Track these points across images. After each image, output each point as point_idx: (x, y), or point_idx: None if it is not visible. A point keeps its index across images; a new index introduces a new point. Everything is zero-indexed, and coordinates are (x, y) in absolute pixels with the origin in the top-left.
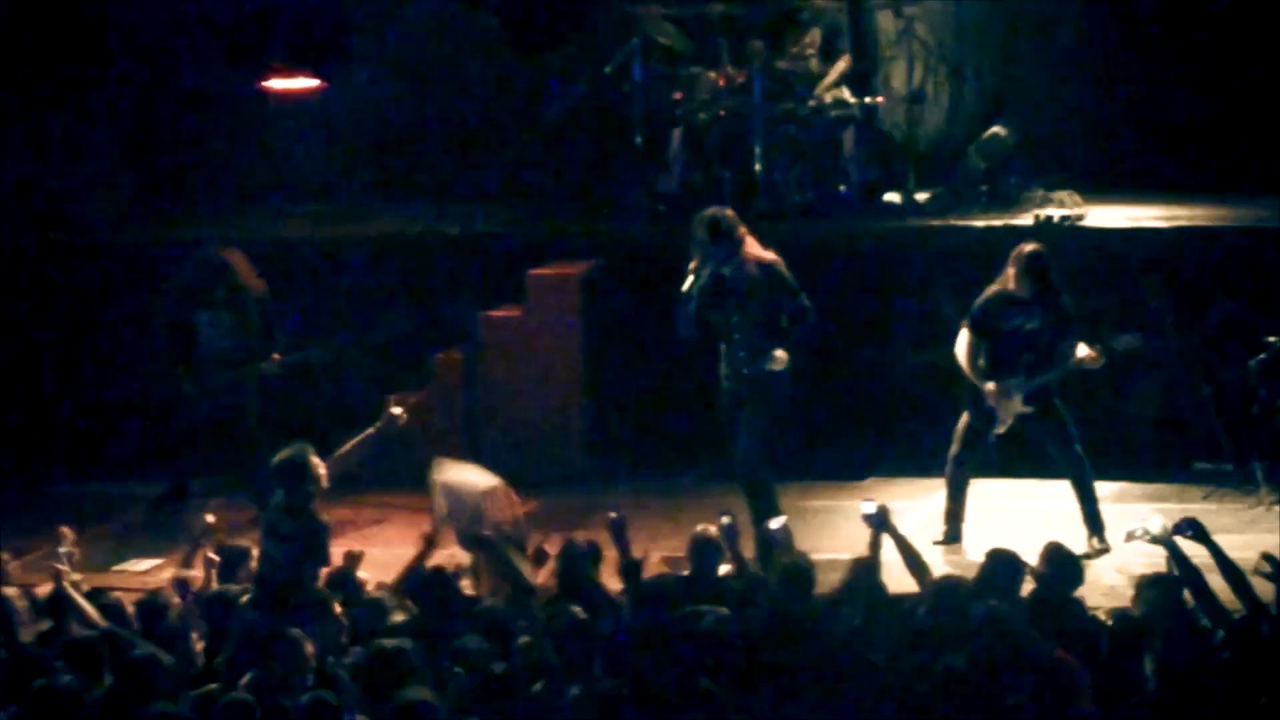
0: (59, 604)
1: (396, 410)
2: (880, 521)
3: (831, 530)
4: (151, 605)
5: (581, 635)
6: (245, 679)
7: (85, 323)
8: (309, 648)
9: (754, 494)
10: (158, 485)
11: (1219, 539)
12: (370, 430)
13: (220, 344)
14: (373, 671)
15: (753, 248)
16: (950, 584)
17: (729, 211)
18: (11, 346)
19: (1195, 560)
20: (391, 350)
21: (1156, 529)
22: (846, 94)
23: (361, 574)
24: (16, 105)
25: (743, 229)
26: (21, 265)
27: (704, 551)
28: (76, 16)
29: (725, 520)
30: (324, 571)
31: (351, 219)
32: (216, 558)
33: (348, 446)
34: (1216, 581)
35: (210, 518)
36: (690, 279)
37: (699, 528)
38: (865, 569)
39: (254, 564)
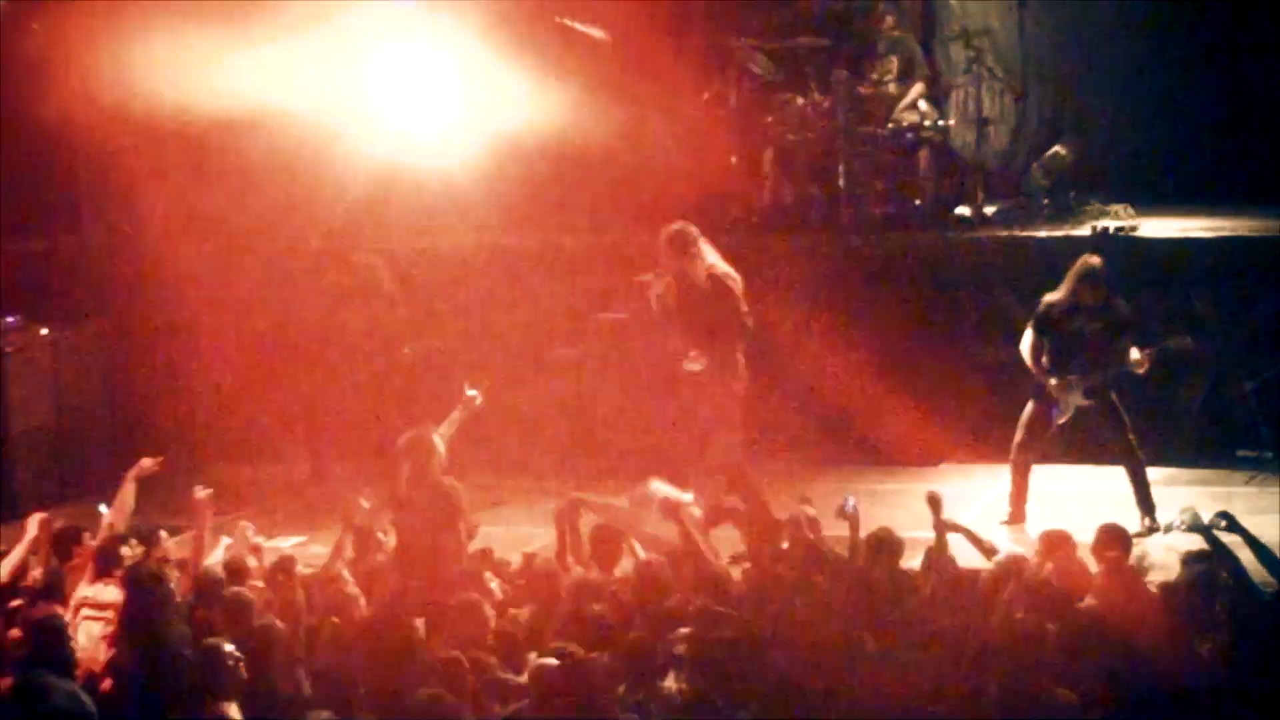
0: (233, 568)
1: (472, 393)
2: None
3: (907, 511)
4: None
5: None
6: None
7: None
8: (488, 609)
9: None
10: (302, 468)
11: (1260, 520)
12: (454, 413)
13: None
14: None
15: (708, 261)
16: (1015, 559)
17: (690, 228)
18: (180, 348)
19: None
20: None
21: (1189, 519)
22: (921, 117)
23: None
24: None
25: (700, 244)
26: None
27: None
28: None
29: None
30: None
31: (484, 232)
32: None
33: (440, 428)
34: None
35: (364, 501)
36: (653, 286)
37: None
38: (936, 552)
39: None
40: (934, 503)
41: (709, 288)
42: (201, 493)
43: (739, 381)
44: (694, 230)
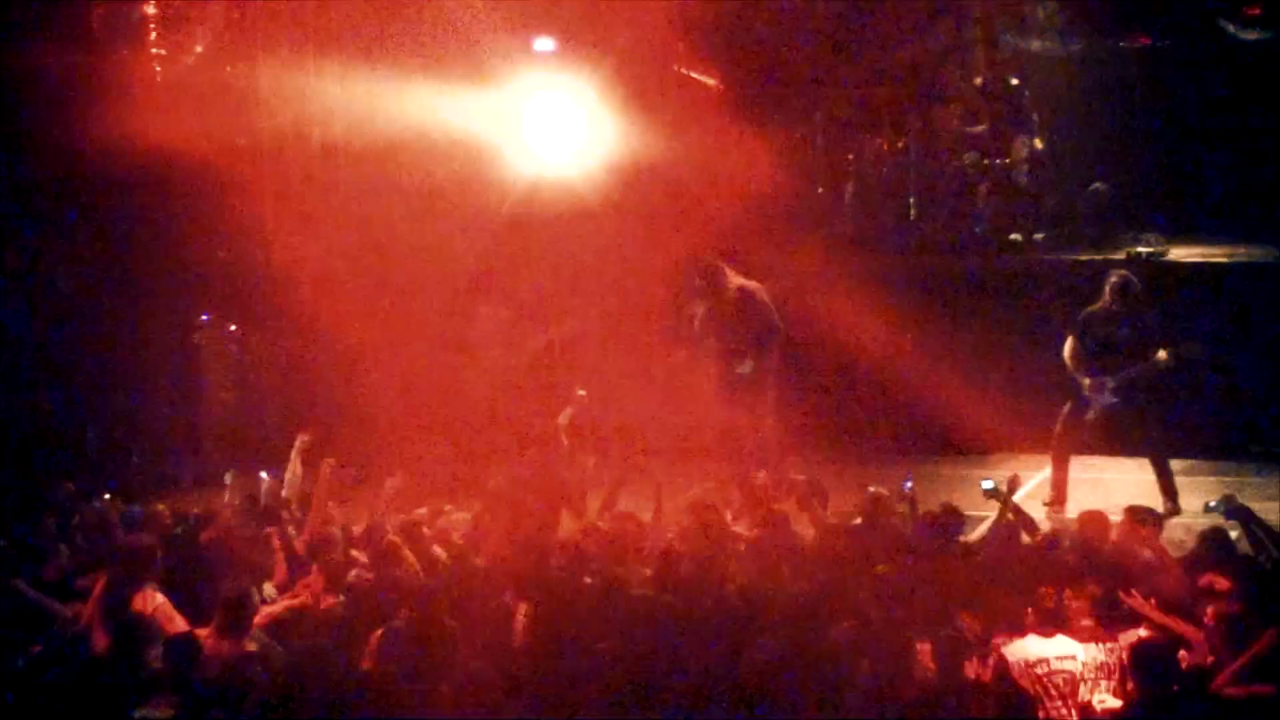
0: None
1: (581, 393)
2: (998, 492)
3: (963, 493)
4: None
5: None
6: None
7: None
8: None
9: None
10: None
11: (1266, 505)
12: (567, 410)
13: None
14: None
15: (734, 283)
16: (1055, 535)
17: (715, 262)
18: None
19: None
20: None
21: (1226, 504)
22: (981, 156)
23: None
24: None
25: (724, 272)
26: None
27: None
28: None
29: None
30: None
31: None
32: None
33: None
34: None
35: (495, 476)
36: (695, 310)
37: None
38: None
39: None
40: (1012, 484)
41: (741, 303)
42: (328, 466)
43: (773, 377)
44: (718, 262)
